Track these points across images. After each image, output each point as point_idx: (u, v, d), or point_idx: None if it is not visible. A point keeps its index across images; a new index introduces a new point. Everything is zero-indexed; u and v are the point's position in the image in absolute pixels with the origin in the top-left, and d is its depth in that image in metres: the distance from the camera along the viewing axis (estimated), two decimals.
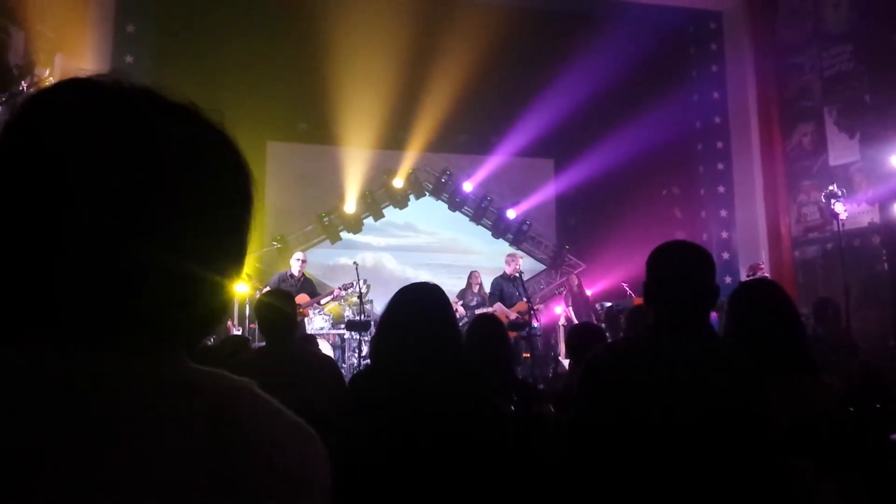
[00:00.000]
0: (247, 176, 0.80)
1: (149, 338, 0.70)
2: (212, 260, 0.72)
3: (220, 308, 0.76)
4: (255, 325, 8.16)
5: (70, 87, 0.73)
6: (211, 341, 8.06)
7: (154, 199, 0.68)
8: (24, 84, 7.35)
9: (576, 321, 9.70)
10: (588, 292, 10.71)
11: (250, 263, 10.21)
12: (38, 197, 0.65)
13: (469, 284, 9.92)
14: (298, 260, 8.70)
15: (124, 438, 0.64)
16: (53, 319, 0.66)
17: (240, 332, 8.56)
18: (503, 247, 12.85)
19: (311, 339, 6.30)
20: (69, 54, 8.46)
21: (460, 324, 9.21)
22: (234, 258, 0.76)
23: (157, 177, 0.69)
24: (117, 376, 0.66)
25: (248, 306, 8.89)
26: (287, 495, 0.68)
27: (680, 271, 1.99)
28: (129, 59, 9.43)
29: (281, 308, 3.64)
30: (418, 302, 2.47)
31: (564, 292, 10.52)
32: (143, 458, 0.63)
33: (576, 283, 10.54)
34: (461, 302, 9.65)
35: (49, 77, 7.89)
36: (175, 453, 0.64)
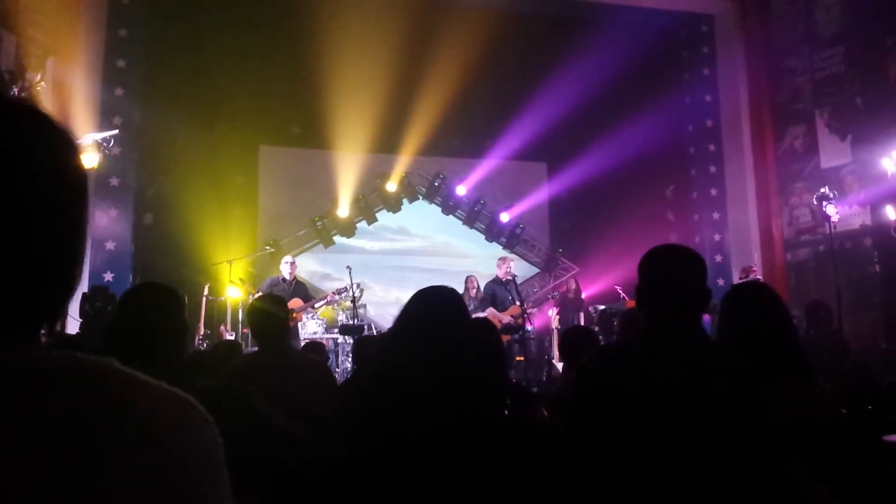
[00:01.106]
0: (58, 152, 0.77)
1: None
2: (35, 245, 0.72)
3: (55, 290, 0.75)
4: (248, 330, 8.15)
5: None
6: (203, 346, 8.07)
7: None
8: (15, 89, 7.32)
9: (560, 327, 9.71)
10: (582, 295, 10.72)
11: (243, 268, 10.19)
12: None
13: (466, 289, 9.92)
14: (288, 263, 8.69)
15: None
16: None
17: (233, 337, 8.54)
18: (496, 250, 12.85)
19: (320, 348, 6.27)
20: (61, 59, 8.43)
21: None
22: (60, 240, 0.75)
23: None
24: None
25: (240, 311, 8.87)
26: (167, 462, 0.69)
27: (672, 275, 1.99)
28: (121, 63, 9.40)
29: (273, 313, 3.63)
30: (429, 303, 2.46)
31: (558, 296, 10.53)
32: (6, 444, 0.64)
33: (574, 287, 10.54)
34: None
35: (41, 81, 7.87)
36: (36, 434, 0.65)
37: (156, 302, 2.47)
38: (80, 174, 0.78)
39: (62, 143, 0.77)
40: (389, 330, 2.52)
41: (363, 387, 2.49)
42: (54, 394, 0.68)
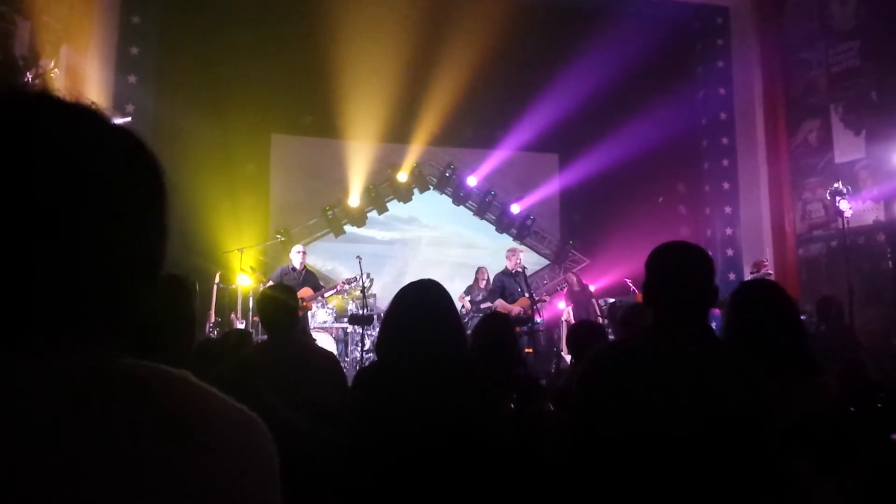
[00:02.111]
0: (151, 168, 0.79)
1: (68, 334, 0.70)
2: (121, 253, 0.73)
3: (137, 299, 0.76)
4: (257, 318, 8.18)
5: None
6: (214, 334, 8.11)
7: (50, 196, 0.69)
8: (29, 75, 7.36)
9: (573, 320, 9.70)
10: (591, 287, 10.70)
11: (254, 256, 10.22)
12: None
13: (476, 280, 9.93)
14: (298, 252, 8.71)
15: (52, 435, 0.64)
16: None
17: (243, 325, 8.58)
18: (507, 241, 12.83)
19: (303, 332, 6.30)
20: (74, 45, 8.46)
21: (466, 319, 9.31)
22: (144, 249, 0.76)
23: (51, 175, 0.69)
24: (28, 373, 0.67)
25: (251, 299, 8.90)
26: (229, 478, 0.69)
27: (679, 272, 1.99)
28: (134, 50, 9.43)
29: (282, 302, 3.64)
30: (421, 297, 2.48)
31: (567, 289, 10.52)
32: (85, 451, 0.64)
33: (574, 280, 10.52)
34: (468, 297, 9.67)
35: (54, 68, 7.89)
36: (106, 445, 0.65)
37: (165, 293, 2.48)
38: (141, 165, 0.78)
39: (121, 139, 0.77)
40: (384, 324, 2.54)
41: (368, 379, 2.50)
42: (127, 404, 0.68)
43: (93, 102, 0.78)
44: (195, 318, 2.63)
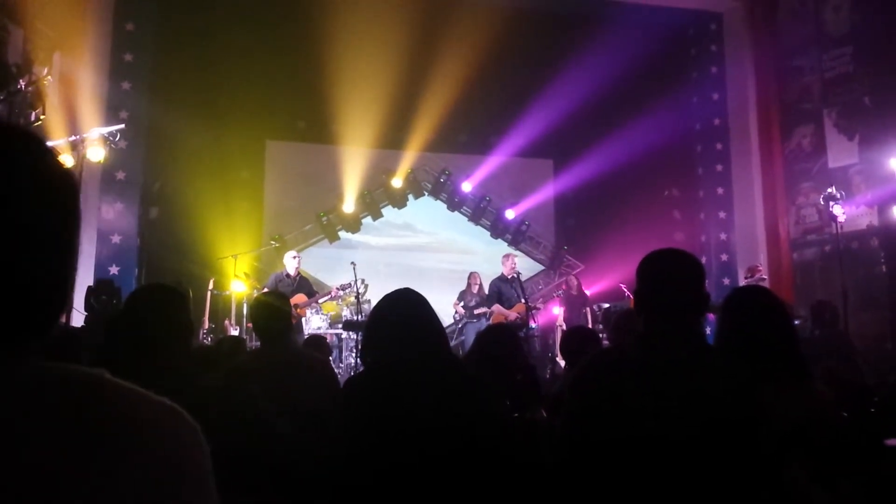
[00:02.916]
0: (50, 174, 0.78)
1: None
2: (30, 257, 0.73)
3: (50, 301, 0.76)
4: (251, 325, 8.16)
5: None
6: (208, 341, 8.09)
7: None
8: (22, 82, 7.34)
9: (564, 326, 9.71)
10: (587, 292, 10.71)
11: (248, 262, 10.20)
12: None
13: (468, 285, 9.93)
14: (293, 258, 8.69)
15: None
16: None
17: (237, 332, 8.55)
18: (502, 247, 12.84)
19: (322, 342, 6.25)
20: (68, 53, 8.45)
21: (460, 324, 9.29)
22: (53, 254, 0.76)
23: None
24: None
25: (245, 305, 8.89)
26: (159, 473, 0.70)
27: (670, 279, 1.99)
28: (128, 57, 9.42)
29: (276, 309, 3.63)
30: (401, 305, 2.48)
31: (561, 294, 10.52)
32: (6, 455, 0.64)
33: (574, 283, 10.54)
34: (461, 303, 9.68)
35: (48, 75, 7.88)
36: (34, 447, 0.65)
37: (160, 303, 2.48)
38: (62, 185, 0.78)
39: (39, 154, 0.77)
40: (367, 333, 2.54)
41: (360, 386, 2.49)
42: (43, 407, 0.68)
43: None
44: (191, 325, 2.63)
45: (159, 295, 2.55)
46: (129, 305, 2.60)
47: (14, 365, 0.71)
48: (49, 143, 0.81)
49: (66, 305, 0.78)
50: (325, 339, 7.51)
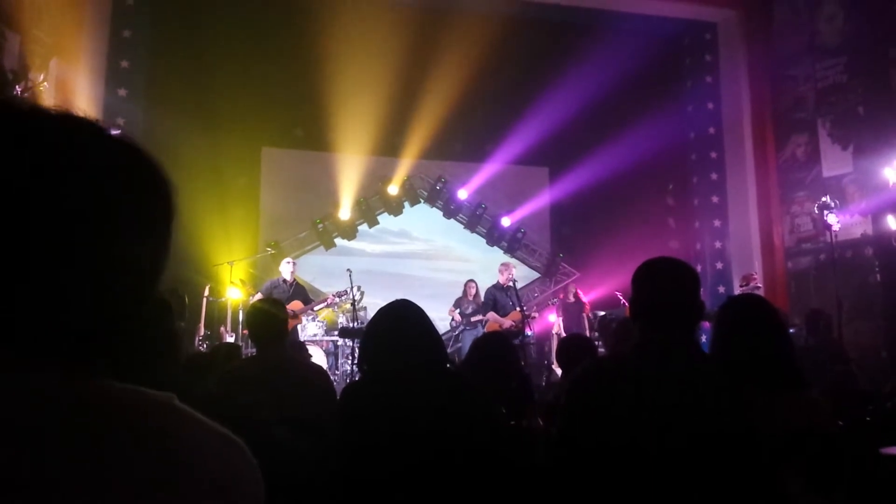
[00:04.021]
0: (159, 190, 0.78)
1: (63, 358, 0.68)
2: (114, 272, 0.71)
3: (127, 319, 0.74)
4: (247, 332, 8.15)
5: None
6: (203, 348, 8.07)
7: (54, 217, 0.67)
8: (18, 88, 7.34)
9: (563, 333, 9.73)
10: (585, 301, 10.71)
11: (244, 269, 10.19)
12: None
13: (465, 293, 9.95)
14: (289, 263, 8.69)
15: (47, 462, 0.62)
16: None
17: (233, 338, 8.54)
18: (497, 254, 12.86)
19: (302, 347, 6.28)
20: (65, 59, 8.45)
21: (456, 332, 9.28)
22: (140, 272, 0.74)
23: (62, 195, 0.68)
24: (34, 397, 0.65)
25: (240, 312, 8.87)
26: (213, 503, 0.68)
27: (665, 288, 1.99)
28: (124, 64, 9.42)
29: (272, 315, 3.63)
30: (399, 315, 2.49)
31: (558, 303, 10.54)
32: (69, 479, 0.62)
33: (572, 292, 10.55)
34: (458, 310, 9.69)
35: (44, 81, 7.88)
36: (98, 474, 0.63)
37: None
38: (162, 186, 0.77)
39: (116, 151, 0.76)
40: (365, 343, 2.55)
41: (358, 394, 2.49)
42: (107, 431, 0.66)
43: (85, 114, 0.77)
44: (177, 333, 2.61)
45: None
46: None
47: (75, 382, 0.68)
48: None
49: (139, 322, 0.75)
50: (304, 344, 7.50)
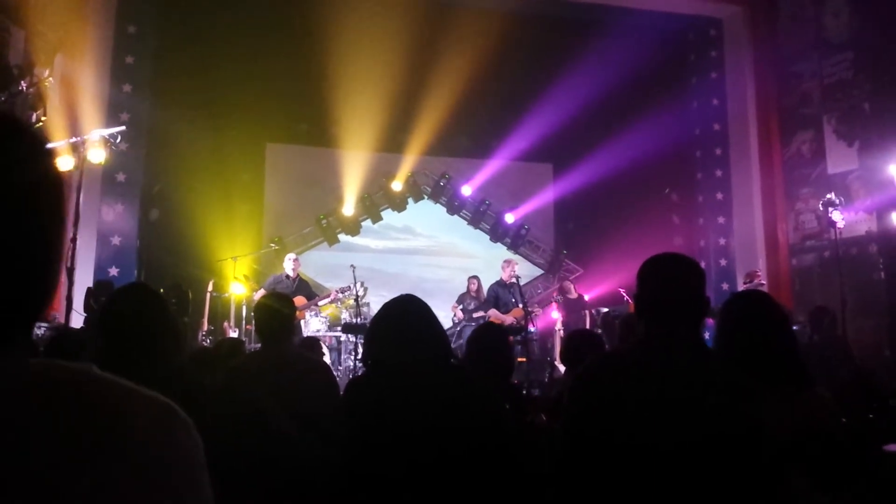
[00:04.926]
0: (32, 155, 0.77)
1: None
2: (21, 250, 0.72)
3: (36, 293, 0.75)
4: (251, 327, 8.16)
5: None
6: (207, 342, 8.09)
7: None
8: (23, 84, 7.34)
9: (561, 328, 9.73)
10: (586, 297, 10.70)
11: (248, 265, 10.21)
12: None
13: (467, 289, 9.96)
14: (291, 260, 8.70)
15: None
16: None
17: (236, 334, 8.56)
18: (501, 251, 12.86)
19: (315, 343, 6.26)
20: (70, 54, 8.46)
21: (458, 327, 9.29)
22: (43, 243, 0.75)
23: None
24: None
25: (244, 308, 8.89)
26: (149, 468, 0.69)
27: (670, 284, 1.99)
28: (129, 59, 9.43)
29: (278, 311, 3.63)
30: (404, 310, 2.49)
31: (560, 300, 10.53)
32: None
33: (570, 287, 10.53)
34: (460, 306, 9.70)
35: (49, 77, 7.88)
36: (22, 447, 0.64)
37: (140, 305, 2.47)
38: (48, 180, 0.77)
39: (28, 147, 0.76)
40: (370, 338, 2.55)
41: (363, 388, 2.50)
42: (30, 403, 0.67)
43: None
44: (176, 325, 2.62)
45: (139, 296, 2.54)
46: (107, 307, 2.58)
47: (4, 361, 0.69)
48: (48, 144, 0.80)
49: (50, 301, 0.76)
50: (319, 340, 7.51)
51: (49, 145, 0.79)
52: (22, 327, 0.74)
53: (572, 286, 10.60)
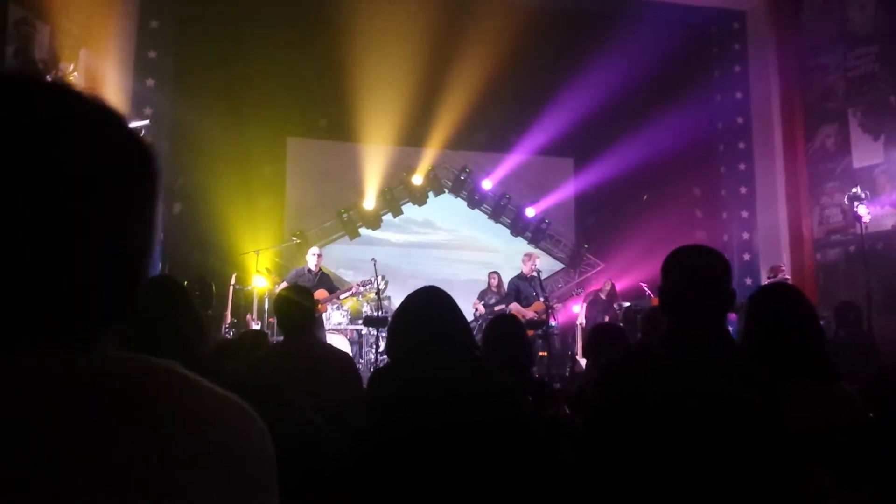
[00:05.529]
0: (143, 153, 0.77)
1: (61, 329, 0.68)
2: (115, 244, 0.71)
3: (128, 289, 0.74)
4: (273, 320, 8.22)
5: None
6: (230, 335, 8.15)
7: (55, 187, 0.67)
8: (48, 78, 7.42)
9: (583, 322, 9.70)
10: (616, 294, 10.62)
11: (270, 258, 10.27)
12: None
13: (488, 284, 9.97)
14: (314, 255, 8.74)
15: (50, 435, 0.62)
16: None
17: (258, 326, 8.62)
18: (521, 245, 12.84)
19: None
20: (94, 49, 8.54)
21: (479, 322, 9.29)
22: (137, 239, 0.74)
23: (56, 166, 0.67)
24: (31, 372, 0.65)
25: (266, 300, 8.95)
26: (220, 468, 0.68)
27: (695, 277, 1.98)
28: (152, 54, 9.50)
29: (299, 303, 3.66)
30: (427, 301, 2.50)
31: (584, 294, 10.49)
32: (73, 449, 0.62)
33: (608, 288, 10.44)
34: (482, 301, 9.71)
35: (73, 71, 7.97)
36: (102, 442, 0.63)
37: (163, 296, 2.49)
38: (139, 155, 0.76)
39: (110, 121, 0.74)
40: (393, 329, 2.55)
41: (387, 379, 2.51)
42: (108, 399, 0.66)
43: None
44: (200, 317, 2.63)
45: (161, 287, 2.56)
46: (133, 300, 2.59)
47: (76, 355, 0.68)
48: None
49: (138, 289, 0.75)
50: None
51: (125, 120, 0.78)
52: (106, 317, 0.73)
53: (609, 287, 10.48)
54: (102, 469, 0.63)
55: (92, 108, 0.74)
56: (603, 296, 10.34)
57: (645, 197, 12.22)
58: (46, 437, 0.63)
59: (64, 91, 0.74)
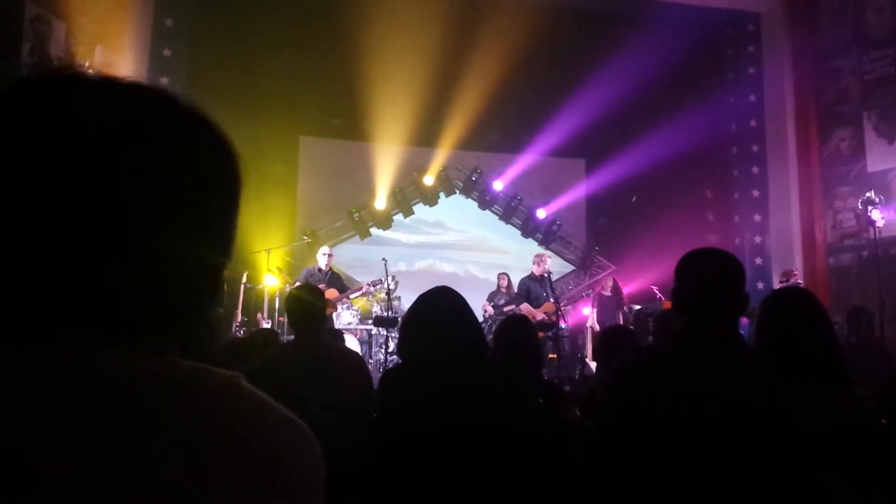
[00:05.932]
0: (231, 159, 0.78)
1: (133, 335, 0.67)
2: (194, 251, 0.70)
3: (203, 300, 0.73)
4: (284, 319, 8.24)
5: (48, 82, 0.71)
6: (240, 333, 8.18)
7: (136, 189, 0.66)
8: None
9: (597, 327, 9.66)
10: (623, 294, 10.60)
11: (281, 257, 10.29)
12: (24, 193, 0.63)
13: (498, 285, 9.96)
14: (325, 254, 8.75)
15: (112, 438, 0.62)
16: (40, 319, 0.64)
17: (269, 325, 8.64)
18: (532, 246, 12.82)
19: (338, 335, 6.33)
20: (109, 47, 8.59)
21: (488, 323, 9.29)
22: (218, 247, 0.74)
23: (141, 167, 0.67)
24: (101, 374, 0.65)
25: (277, 299, 8.97)
26: (276, 488, 0.67)
27: (709, 279, 1.97)
28: (167, 52, 9.55)
29: (310, 302, 3.66)
30: (439, 302, 2.50)
31: (592, 295, 10.46)
32: (131, 456, 0.62)
33: (610, 284, 10.43)
34: (491, 303, 9.71)
35: (89, 69, 8.00)
36: (162, 451, 0.63)
37: None
38: (221, 160, 0.77)
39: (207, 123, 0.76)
40: (405, 329, 2.55)
41: (398, 378, 2.51)
42: (169, 408, 0.65)
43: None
44: (216, 318, 2.64)
45: None
46: None
47: (151, 362, 0.67)
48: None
49: (216, 297, 0.74)
50: (342, 332, 7.50)
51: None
52: (174, 324, 0.72)
53: (612, 282, 10.45)
54: (143, 472, 0.62)
55: (193, 113, 0.78)
56: (606, 292, 10.29)
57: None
58: (94, 436, 0.62)
59: (174, 99, 0.79)
